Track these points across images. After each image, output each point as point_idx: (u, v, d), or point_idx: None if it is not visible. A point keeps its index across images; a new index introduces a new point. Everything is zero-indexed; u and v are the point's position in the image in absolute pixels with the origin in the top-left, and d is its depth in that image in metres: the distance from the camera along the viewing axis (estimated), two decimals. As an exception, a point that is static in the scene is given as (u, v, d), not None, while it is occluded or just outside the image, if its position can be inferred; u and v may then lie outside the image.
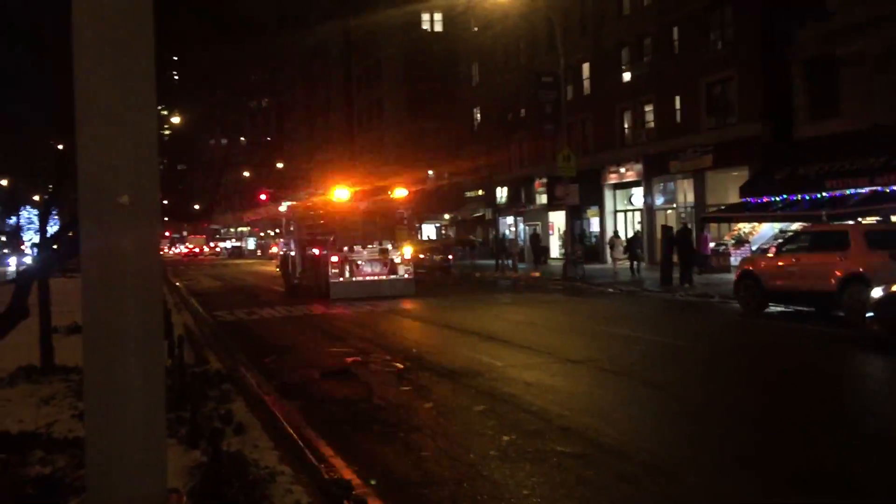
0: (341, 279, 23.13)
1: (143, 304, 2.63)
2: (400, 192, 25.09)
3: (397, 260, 23.72)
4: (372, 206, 24.47)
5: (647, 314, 18.38)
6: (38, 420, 7.27)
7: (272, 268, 40.86)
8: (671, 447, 6.99)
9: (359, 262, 23.40)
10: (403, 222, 24.89)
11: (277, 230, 49.48)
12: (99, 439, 2.61)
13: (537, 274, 32.25)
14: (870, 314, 12.16)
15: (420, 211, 54.94)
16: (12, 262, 45.10)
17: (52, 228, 11.76)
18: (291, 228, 28.43)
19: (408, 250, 24.14)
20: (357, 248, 23.35)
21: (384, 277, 23.59)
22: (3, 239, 59.42)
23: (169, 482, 2.75)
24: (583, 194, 32.44)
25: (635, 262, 28.78)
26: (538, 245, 41.06)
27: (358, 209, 24.12)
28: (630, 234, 33.12)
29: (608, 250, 32.96)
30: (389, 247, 23.69)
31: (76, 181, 2.66)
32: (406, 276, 23.86)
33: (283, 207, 33.18)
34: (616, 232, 35.22)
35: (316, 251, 24.47)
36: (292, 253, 27.41)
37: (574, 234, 34.01)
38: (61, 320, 14.07)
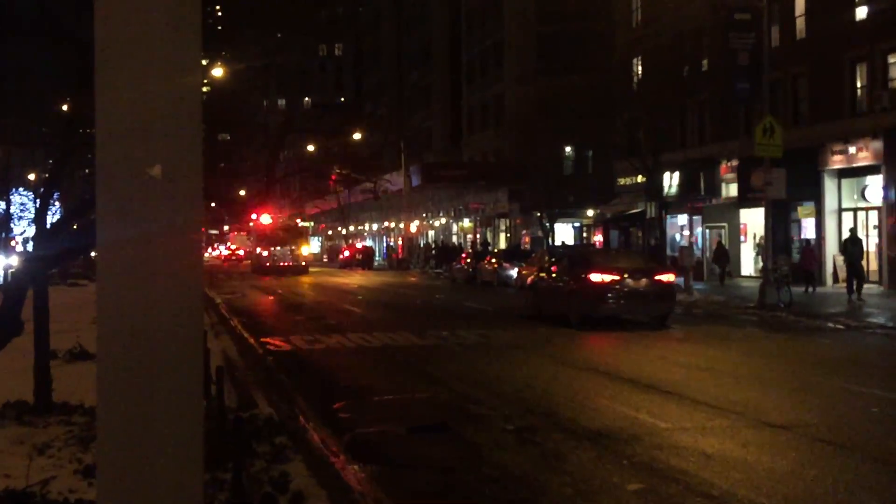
0: (267, 264, 61.60)
1: (178, 319, 2.68)
2: (302, 223, 75.80)
3: (297, 255, 63.01)
4: (286, 226, 65.86)
5: (890, 361, 17.75)
6: (31, 475, 7.57)
7: (345, 279, 54.65)
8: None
9: (275, 256, 61.88)
10: (303, 235, 69.57)
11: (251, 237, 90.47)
12: (114, 506, 2.69)
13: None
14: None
15: (549, 206, 54.71)
16: None
17: (53, 218, 12.30)
18: (251, 237, 74.24)
19: (305, 249, 66.90)
20: (277, 248, 62.70)
21: (289, 264, 61.27)
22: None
23: (206, 569, 2.80)
24: (791, 184, 31.54)
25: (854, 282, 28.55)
26: (724, 256, 40.50)
27: (277, 228, 63.32)
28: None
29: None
30: (293, 248, 63.01)
31: (88, 152, 2.74)
32: (303, 263, 62.74)
33: (252, 224, 69.38)
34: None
35: (259, 249, 64.93)
36: (255, 250, 66.74)
37: (777, 242, 33.09)
38: (62, 342, 14.69)
